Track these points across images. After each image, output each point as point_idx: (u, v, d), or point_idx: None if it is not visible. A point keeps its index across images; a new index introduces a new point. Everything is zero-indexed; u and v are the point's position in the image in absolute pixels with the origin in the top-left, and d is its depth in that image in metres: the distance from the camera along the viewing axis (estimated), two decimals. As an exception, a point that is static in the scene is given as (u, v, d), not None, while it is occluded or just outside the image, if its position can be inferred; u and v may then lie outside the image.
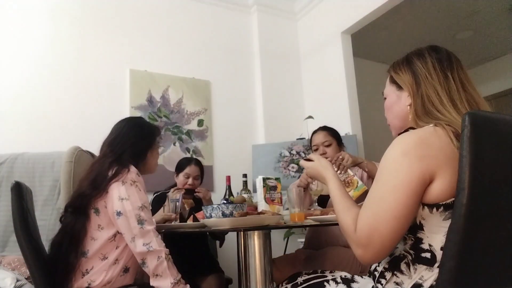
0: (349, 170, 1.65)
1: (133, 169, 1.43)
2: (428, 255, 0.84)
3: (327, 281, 1.05)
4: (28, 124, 2.57)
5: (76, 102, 2.76)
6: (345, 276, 1.06)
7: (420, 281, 0.83)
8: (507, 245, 0.78)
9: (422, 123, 0.89)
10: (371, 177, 1.82)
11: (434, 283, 0.80)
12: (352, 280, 1.03)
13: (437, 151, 0.78)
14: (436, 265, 0.82)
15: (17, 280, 1.68)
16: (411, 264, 0.87)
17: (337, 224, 1.29)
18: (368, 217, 0.81)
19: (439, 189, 0.78)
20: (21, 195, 1.25)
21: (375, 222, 0.79)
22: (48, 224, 2.04)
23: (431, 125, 0.85)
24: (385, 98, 1.05)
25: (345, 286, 1.01)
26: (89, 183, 1.39)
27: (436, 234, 0.82)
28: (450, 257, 0.72)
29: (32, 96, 2.63)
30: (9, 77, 2.60)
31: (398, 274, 0.89)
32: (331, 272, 1.12)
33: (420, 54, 0.94)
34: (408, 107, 0.94)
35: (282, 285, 1.16)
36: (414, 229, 0.85)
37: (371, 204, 0.82)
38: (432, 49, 0.95)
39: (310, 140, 2.13)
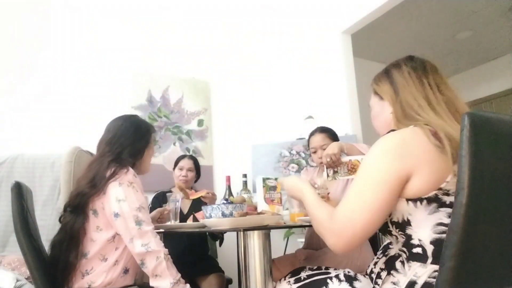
0: (342, 159, 1.65)
1: (130, 170, 1.43)
2: (419, 250, 0.86)
3: (330, 278, 1.06)
4: (28, 124, 2.57)
5: (76, 102, 2.76)
6: (348, 272, 1.07)
7: (415, 278, 0.84)
8: (507, 245, 0.78)
9: (402, 126, 0.94)
10: None
11: (428, 279, 0.82)
12: (355, 278, 1.05)
13: (415, 149, 0.83)
14: (429, 261, 0.84)
15: (17, 280, 1.69)
16: (405, 262, 0.88)
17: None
18: (346, 209, 0.86)
19: (418, 184, 0.82)
20: (21, 195, 1.25)
21: (352, 213, 0.84)
22: (48, 224, 2.04)
23: (411, 126, 0.90)
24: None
25: (348, 284, 1.02)
26: (88, 181, 1.39)
27: (423, 229, 0.85)
28: (450, 257, 0.72)
29: (32, 96, 2.63)
30: (9, 77, 2.60)
31: (394, 274, 0.90)
32: (335, 269, 1.12)
33: (397, 65, 1.01)
34: (391, 114, 1.00)
35: (285, 279, 1.17)
36: (402, 225, 0.88)
37: (350, 197, 0.87)
38: (407, 59, 1.02)
39: (308, 142, 2.12)
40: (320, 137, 2.02)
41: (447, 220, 0.82)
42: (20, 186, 1.27)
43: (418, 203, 0.84)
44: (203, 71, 3.35)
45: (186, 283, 1.36)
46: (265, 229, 1.24)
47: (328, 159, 1.69)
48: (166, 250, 1.36)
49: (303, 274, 1.13)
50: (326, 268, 1.14)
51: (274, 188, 1.61)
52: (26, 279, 1.73)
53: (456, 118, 0.89)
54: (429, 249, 0.84)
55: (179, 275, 1.35)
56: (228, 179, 2.07)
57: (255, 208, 1.63)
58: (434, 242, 0.84)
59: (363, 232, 0.83)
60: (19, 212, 1.22)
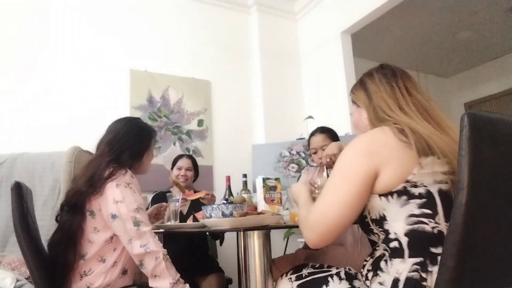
0: None
1: (128, 171, 1.43)
2: (396, 244, 0.89)
3: (331, 275, 1.07)
4: (28, 124, 2.57)
5: (76, 102, 2.76)
6: (349, 270, 1.08)
7: (397, 275, 0.86)
8: (507, 245, 0.78)
9: (374, 127, 1.00)
10: None
11: (409, 274, 0.83)
12: (355, 277, 1.05)
13: (382, 146, 0.90)
14: (407, 254, 0.86)
15: (17, 280, 1.69)
16: (388, 261, 0.90)
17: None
18: (320, 204, 0.93)
19: (386, 178, 0.88)
20: (21, 195, 1.25)
21: (325, 207, 0.91)
22: (48, 224, 2.04)
23: (381, 126, 0.97)
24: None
25: (348, 282, 1.04)
26: (85, 180, 1.38)
27: (397, 222, 0.88)
28: (450, 257, 0.72)
29: (32, 96, 2.63)
30: (9, 77, 2.60)
31: (380, 273, 0.92)
32: (337, 268, 1.13)
33: (370, 74, 1.11)
34: (367, 119, 1.07)
35: (286, 275, 1.18)
36: (380, 222, 0.92)
37: (324, 193, 0.94)
38: (379, 67, 1.11)
39: (308, 142, 2.12)
40: (320, 137, 2.02)
41: (417, 211, 0.86)
42: (20, 186, 1.27)
43: (390, 197, 0.88)
44: (203, 71, 3.35)
45: (185, 283, 1.35)
46: (265, 229, 1.24)
47: (328, 160, 1.69)
48: (165, 250, 1.35)
49: (304, 272, 1.14)
50: (329, 266, 1.15)
51: (274, 188, 1.61)
52: (26, 279, 1.73)
53: (425, 117, 0.95)
54: (404, 241, 0.87)
55: (178, 275, 1.35)
56: (228, 179, 2.06)
57: (255, 208, 1.63)
58: (408, 234, 0.87)
59: (335, 225, 0.89)
60: (19, 212, 1.22)
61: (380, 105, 1.01)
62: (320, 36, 3.47)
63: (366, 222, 0.97)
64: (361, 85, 1.11)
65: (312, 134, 2.09)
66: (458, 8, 3.71)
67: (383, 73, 1.07)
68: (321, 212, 0.91)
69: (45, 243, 1.37)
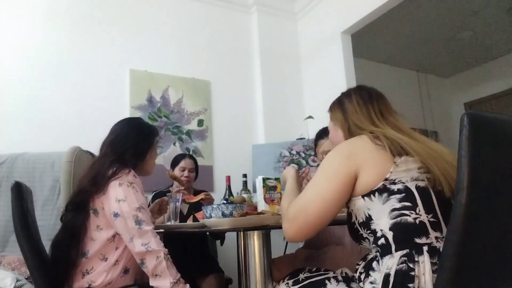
0: None
1: (131, 171, 1.44)
2: (383, 240, 0.92)
3: (329, 278, 1.07)
4: (28, 124, 2.57)
5: (76, 102, 2.76)
6: (346, 273, 1.08)
7: (388, 271, 0.88)
8: (507, 245, 0.78)
9: None
10: None
11: (398, 267, 0.86)
12: (352, 280, 1.05)
13: (360, 150, 0.99)
14: (393, 249, 0.89)
15: (17, 280, 1.69)
16: (380, 260, 0.92)
17: (337, 224, 1.31)
18: (301, 198, 0.99)
19: (366, 179, 0.95)
20: (21, 195, 1.25)
21: (305, 201, 0.97)
22: (48, 224, 2.04)
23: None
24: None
25: (345, 284, 1.04)
26: (89, 179, 1.40)
27: (382, 219, 0.94)
28: (449, 257, 0.72)
29: (32, 96, 2.63)
30: (9, 77, 2.60)
31: (371, 273, 0.93)
32: (334, 272, 1.13)
33: (348, 94, 1.19)
34: (342, 137, 1.16)
35: (283, 281, 1.18)
36: (367, 223, 0.97)
37: (307, 189, 1.00)
38: (357, 88, 1.21)
39: (316, 143, 2.07)
40: (329, 142, 1.98)
41: (398, 205, 0.91)
42: (20, 186, 1.27)
43: (372, 196, 0.94)
44: (203, 71, 3.35)
45: (185, 283, 1.36)
46: (265, 229, 1.24)
47: (324, 156, 1.68)
48: (166, 250, 1.36)
49: (301, 276, 1.14)
50: (326, 270, 1.15)
51: (274, 188, 1.61)
52: (26, 279, 1.73)
53: (397, 132, 1.03)
54: (390, 236, 0.91)
55: (179, 275, 1.35)
56: (228, 179, 2.07)
57: (255, 208, 1.63)
58: (392, 228, 0.91)
59: (314, 220, 0.95)
60: (19, 212, 1.22)
61: (356, 124, 1.10)
62: (320, 36, 3.47)
63: (355, 229, 1.01)
64: (339, 104, 1.19)
65: (321, 137, 2.03)
66: (458, 8, 3.71)
67: (360, 94, 1.16)
68: (302, 205, 0.97)
69: (45, 243, 1.37)
